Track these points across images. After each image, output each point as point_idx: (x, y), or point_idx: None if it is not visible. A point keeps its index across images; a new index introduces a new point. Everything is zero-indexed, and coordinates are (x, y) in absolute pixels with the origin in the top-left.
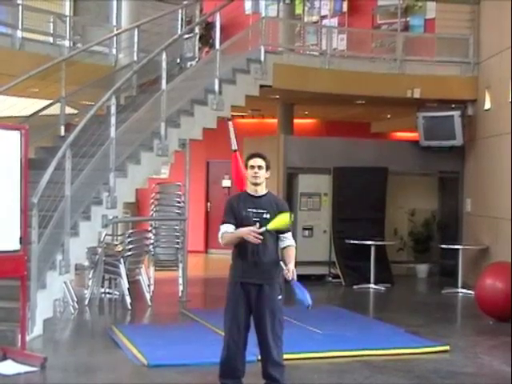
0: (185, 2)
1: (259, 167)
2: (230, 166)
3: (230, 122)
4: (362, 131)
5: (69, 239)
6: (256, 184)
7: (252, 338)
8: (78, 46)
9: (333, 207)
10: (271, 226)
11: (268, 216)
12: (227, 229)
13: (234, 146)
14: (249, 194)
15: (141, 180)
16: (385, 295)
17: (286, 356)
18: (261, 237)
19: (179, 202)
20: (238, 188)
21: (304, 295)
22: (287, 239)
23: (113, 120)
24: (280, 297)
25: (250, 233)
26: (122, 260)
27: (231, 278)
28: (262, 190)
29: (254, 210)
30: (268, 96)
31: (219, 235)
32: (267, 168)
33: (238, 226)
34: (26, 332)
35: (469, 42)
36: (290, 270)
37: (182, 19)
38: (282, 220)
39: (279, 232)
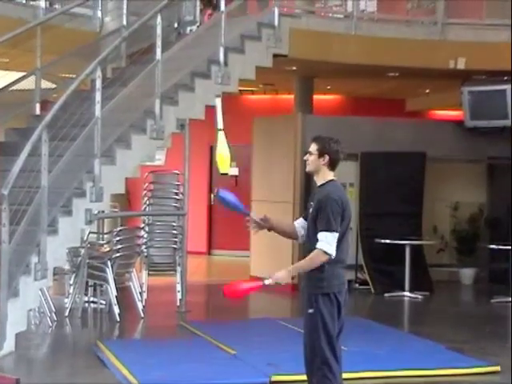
0: None
1: (307, 153)
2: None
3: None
4: (395, 109)
5: (46, 238)
6: (309, 173)
7: (264, 355)
8: (56, 8)
9: (360, 200)
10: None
11: (309, 211)
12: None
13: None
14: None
15: (131, 168)
16: (422, 305)
17: (302, 377)
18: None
19: (177, 194)
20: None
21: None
22: (318, 241)
23: (98, 96)
24: (311, 310)
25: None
26: (109, 263)
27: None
28: (318, 180)
29: (312, 204)
30: (283, 67)
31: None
32: (321, 153)
33: None
34: None
35: None
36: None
37: None
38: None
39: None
